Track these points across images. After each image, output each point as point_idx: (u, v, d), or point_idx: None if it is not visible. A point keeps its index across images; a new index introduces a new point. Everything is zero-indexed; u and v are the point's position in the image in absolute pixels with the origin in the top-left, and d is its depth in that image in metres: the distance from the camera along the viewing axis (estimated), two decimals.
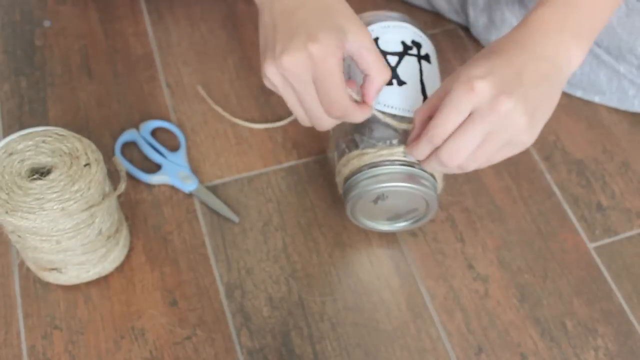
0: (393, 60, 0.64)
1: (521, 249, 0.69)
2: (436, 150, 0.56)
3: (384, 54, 0.64)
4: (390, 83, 0.63)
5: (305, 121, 0.59)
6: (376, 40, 0.65)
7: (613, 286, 0.67)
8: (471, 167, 0.56)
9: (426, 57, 0.66)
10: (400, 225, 0.67)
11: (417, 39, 0.67)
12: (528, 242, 0.69)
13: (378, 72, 0.56)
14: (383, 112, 0.61)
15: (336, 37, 0.53)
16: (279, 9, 0.56)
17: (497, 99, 0.52)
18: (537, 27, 0.56)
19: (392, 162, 0.60)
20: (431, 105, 0.56)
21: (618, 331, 0.64)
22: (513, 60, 0.54)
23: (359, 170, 0.61)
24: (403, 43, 0.65)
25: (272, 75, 0.55)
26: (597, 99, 0.78)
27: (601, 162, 0.75)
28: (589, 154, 0.75)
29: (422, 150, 0.57)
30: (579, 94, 0.79)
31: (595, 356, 0.63)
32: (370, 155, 0.61)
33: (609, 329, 0.64)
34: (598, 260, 0.68)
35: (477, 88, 0.52)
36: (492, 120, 0.53)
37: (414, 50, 0.65)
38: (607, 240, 0.70)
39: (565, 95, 0.79)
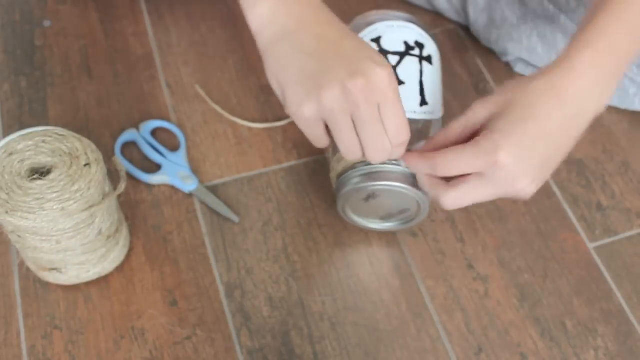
0: (394, 59, 0.64)
1: (521, 249, 0.69)
2: (439, 187, 0.56)
3: (385, 53, 0.64)
4: None
5: (356, 154, 0.55)
6: (379, 39, 0.65)
7: (613, 286, 0.67)
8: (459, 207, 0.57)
9: (428, 59, 0.66)
10: (390, 225, 0.67)
11: (421, 40, 0.66)
12: (528, 242, 0.69)
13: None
14: None
15: (391, 70, 0.52)
16: (315, 35, 0.53)
17: (515, 179, 0.53)
18: (580, 76, 0.54)
19: (386, 161, 0.60)
20: (454, 130, 0.56)
21: (618, 331, 0.64)
22: (546, 125, 0.53)
23: (352, 167, 0.61)
24: (406, 43, 0.65)
25: (335, 99, 0.51)
26: None
27: (601, 162, 0.75)
28: (589, 154, 0.75)
29: (417, 165, 0.57)
30: None
31: (595, 356, 0.63)
32: None
33: (609, 329, 0.64)
34: (598, 260, 0.68)
35: (501, 162, 0.52)
36: (504, 191, 0.54)
37: (416, 51, 0.65)
38: (607, 240, 0.70)
39: None
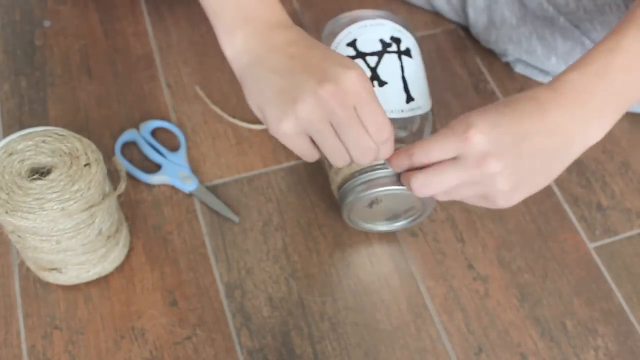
0: (372, 60, 0.64)
1: (521, 249, 0.69)
2: (411, 174, 0.55)
3: (363, 55, 0.64)
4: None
5: (344, 159, 0.55)
6: (354, 42, 0.65)
7: (613, 286, 0.67)
8: (441, 198, 0.56)
9: (407, 52, 0.65)
10: (399, 224, 0.67)
11: (396, 34, 0.66)
12: (528, 242, 0.69)
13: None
14: None
15: (364, 76, 0.53)
16: (284, 54, 0.54)
17: (485, 158, 0.52)
18: (563, 95, 0.53)
19: (382, 166, 0.60)
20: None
21: (618, 331, 0.64)
22: (524, 123, 0.52)
23: (351, 177, 0.61)
24: (382, 41, 0.65)
25: (310, 111, 0.52)
26: None
27: (601, 162, 0.75)
28: (589, 154, 0.75)
29: (399, 162, 0.56)
30: None
31: (595, 356, 0.63)
32: None
33: (609, 329, 0.64)
34: (598, 260, 0.68)
35: (471, 138, 0.51)
36: (473, 174, 0.52)
37: (394, 47, 0.65)
38: (607, 240, 0.70)
39: None
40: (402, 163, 0.56)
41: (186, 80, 0.78)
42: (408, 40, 0.67)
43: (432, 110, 0.66)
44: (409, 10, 0.85)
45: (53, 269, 0.62)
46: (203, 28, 0.83)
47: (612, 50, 0.54)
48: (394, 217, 0.66)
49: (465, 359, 0.62)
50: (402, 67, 0.64)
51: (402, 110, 0.62)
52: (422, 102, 0.64)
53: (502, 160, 0.52)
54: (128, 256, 0.66)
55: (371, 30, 0.65)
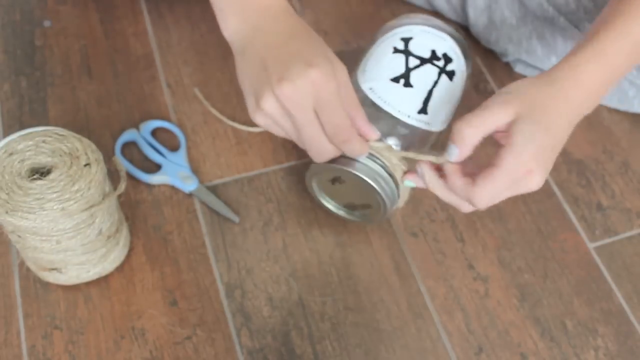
0: (413, 62, 0.64)
1: (521, 249, 0.69)
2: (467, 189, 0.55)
3: (408, 53, 0.64)
4: (397, 81, 0.63)
5: (311, 152, 0.58)
6: (409, 39, 0.65)
7: (613, 286, 0.67)
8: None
9: (450, 74, 0.65)
10: (351, 217, 0.67)
11: (450, 54, 0.66)
12: (528, 242, 0.69)
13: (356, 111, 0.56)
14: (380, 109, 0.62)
15: (331, 66, 0.54)
16: (263, 43, 0.55)
17: (536, 178, 0.54)
18: (581, 84, 0.56)
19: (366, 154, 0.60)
20: (477, 134, 0.55)
21: (618, 331, 0.64)
22: (558, 130, 0.55)
23: None
24: (433, 52, 0.65)
25: (271, 107, 0.54)
26: None
27: (601, 162, 0.75)
28: (589, 154, 0.75)
29: (441, 193, 0.57)
30: None
31: (595, 356, 0.63)
32: None
33: (609, 329, 0.64)
34: (598, 260, 0.68)
35: (535, 178, 0.53)
36: (519, 189, 0.55)
37: (440, 62, 0.65)
38: (607, 240, 0.70)
39: None
40: (459, 189, 0.56)
41: (186, 80, 0.78)
42: (459, 66, 0.66)
43: (440, 133, 0.65)
44: (409, 10, 0.85)
45: (53, 269, 0.62)
46: (203, 28, 0.83)
47: (619, 38, 0.57)
48: (351, 207, 0.67)
49: (465, 359, 0.62)
50: (436, 82, 0.64)
51: (409, 116, 0.62)
52: (434, 121, 0.63)
53: (545, 172, 0.54)
54: (128, 256, 0.66)
55: (430, 38, 0.66)
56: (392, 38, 0.66)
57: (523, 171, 0.53)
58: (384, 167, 0.60)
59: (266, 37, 0.56)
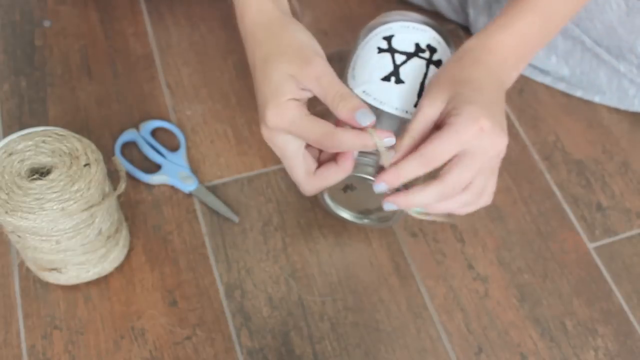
0: (400, 59, 0.64)
1: (521, 249, 0.69)
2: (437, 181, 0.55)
3: (393, 51, 0.64)
4: (387, 80, 0.63)
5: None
6: (391, 37, 0.65)
7: (613, 286, 0.67)
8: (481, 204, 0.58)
9: (437, 63, 0.65)
10: (365, 221, 0.67)
11: (434, 44, 0.66)
12: (528, 242, 0.69)
13: (332, 103, 0.55)
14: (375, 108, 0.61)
15: (283, 95, 0.54)
16: (251, 63, 0.59)
17: (497, 138, 0.54)
18: (501, 56, 0.59)
19: (368, 154, 0.59)
20: (421, 131, 0.56)
21: (618, 331, 0.64)
22: (492, 94, 0.57)
23: None
24: (417, 45, 0.65)
25: (266, 139, 0.59)
26: (597, 99, 0.78)
27: (601, 162, 0.75)
28: (589, 154, 0.75)
29: (410, 170, 0.55)
30: (579, 93, 0.79)
31: (595, 356, 0.63)
32: None
33: (609, 329, 0.64)
34: (598, 260, 0.68)
35: (485, 128, 0.53)
36: (489, 159, 0.55)
37: (426, 54, 0.65)
38: (607, 240, 0.70)
39: (565, 95, 0.79)
40: (412, 168, 0.55)
41: (186, 80, 0.79)
42: (444, 54, 0.66)
43: None
44: (409, 10, 0.85)
45: (53, 269, 0.62)
46: (203, 28, 0.83)
47: (532, 12, 0.61)
48: (365, 212, 0.66)
49: (465, 359, 0.62)
50: (425, 74, 0.64)
51: (407, 112, 0.62)
52: None
53: (504, 131, 0.55)
54: (128, 256, 0.66)
55: (412, 32, 0.66)
56: (374, 39, 0.66)
57: (475, 129, 0.53)
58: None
59: (251, 56, 0.58)
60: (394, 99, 0.62)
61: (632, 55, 0.74)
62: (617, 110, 0.78)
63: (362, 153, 0.59)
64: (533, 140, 0.76)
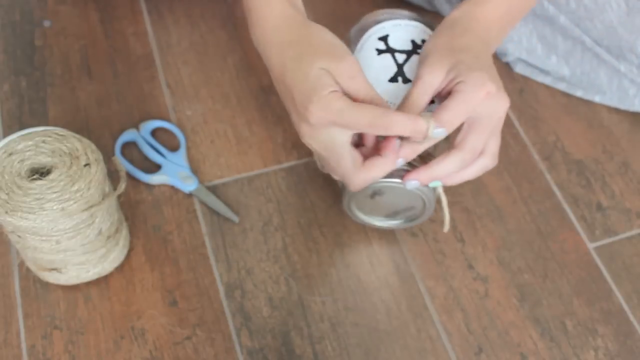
0: (401, 57, 0.64)
1: (521, 249, 0.69)
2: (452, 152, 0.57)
3: (393, 51, 0.64)
4: (395, 80, 0.63)
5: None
6: (386, 37, 0.65)
7: (613, 286, 0.67)
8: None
9: None
10: (396, 222, 0.67)
11: (427, 38, 0.66)
12: (528, 242, 0.69)
13: (363, 101, 0.55)
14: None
15: (325, 88, 0.54)
16: (273, 75, 0.58)
17: (501, 99, 0.56)
18: (487, 24, 0.61)
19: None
20: (423, 101, 0.57)
21: (618, 331, 0.64)
22: (487, 60, 0.59)
23: None
24: (413, 42, 0.65)
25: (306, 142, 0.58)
26: (597, 99, 0.78)
27: (601, 162, 0.75)
28: (589, 154, 0.75)
29: (418, 129, 0.55)
30: (579, 93, 0.79)
31: (595, 356, 0.63)
32: None
33: (609, 329, 0.64)
34: (598, 260, 0.68)
35: (491, 92, 0.55)
36: (497, 121, 0.57)
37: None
38: (607, 240, 0.70)
39: (565, 95, 0.79)
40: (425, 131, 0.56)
41: (186, 80, 0.79)
42: None
43: None
44: (409, 10, 0.85)
45: (53, 269, 0.62)
46: (203, 28, 0.83)
47: None
48: (394, 215, 0.66)
49: (465, 359, 0.62)
50: None
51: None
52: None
53: (504, 92, 0.57)
54: (128, 256, 0.66)
55: (404, 29, 0.66)
56: (370, 41, 0.66)
57: (483, 94, 0.55)
58: (410, 163, 0.60)
59: (269, 60, 0.58)
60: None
61: (633, 55, 0.74)
62: (617, 111, 0.78)
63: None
64: (533, 140, 0.76)
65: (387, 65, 0.64)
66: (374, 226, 0.67)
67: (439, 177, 0.58)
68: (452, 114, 0.55)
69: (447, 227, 0.64)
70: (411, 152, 0.56)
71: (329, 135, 0.55)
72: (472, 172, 0.59)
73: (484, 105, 0.55)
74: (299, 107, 0.55)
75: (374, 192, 0.63)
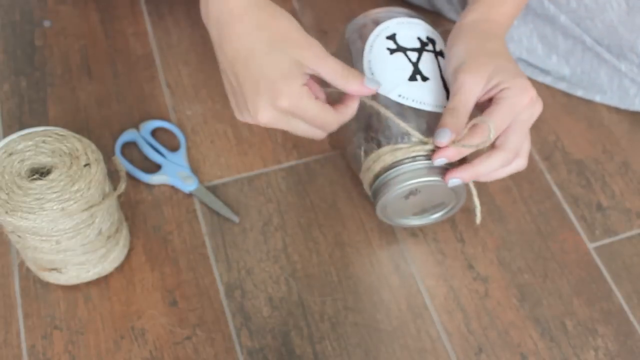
0: (413, 56, 0.64)
1: (521, 249, 0.69)
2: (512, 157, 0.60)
3: (404, 49, 0.64)
4: (414, 79, 0.63)
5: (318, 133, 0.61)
6: (394, 35, 0.65)
7: (613, 286, 0.67)
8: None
9: (441, 54, 0.66)
10: (430, 219, 0.67)
11: (431, 36, 0.66)
12: (528, 242, 0.69)
13: (342, 80, 0.57)
14: (411, 107, 0.62)
15: (296, 80, 0.55)
16: (230, 56, 0.57)
17: (539, 104, 0.60)
18: (503, 24, 0.64)
19: (423, 157, 0.60)
20: (468, 110, 0.60)
21: (618, 331, 0.64)
22: (514, 63, 0.62)
23: (391, 166, 0.61)
24: (419, 39, 0.65)
25: (258, 123, 0.58)
26: (597, 98, 0.78)
27: (601, 162, 0.75)
28: (589, 154, 0.75)
29: (476, 142, 0.59)
30: (579, 93, 0.79)
31: (595, 356, 0.63)
32: (404, 150, 0.61)
33: (609, 329, 0.64)
34: (598, 260, 0.68)
35: (534, 96, 0.59)
36: (532, 120, 0.60)
37: (430, 47, 0.65)
38: (607, 240, 0.70)
39: (565, 94, 0.79)
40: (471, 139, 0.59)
41: (186, 80, 0.79)
42: (441, 43, 0.67)
43: None
44: (406, 8, 0.85)
45: (53, 269, 0.62)
46: (203, 28, 0.83)
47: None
48: (422, 212, 0.66)
49: (465, 359, 0.62)
50: (439, 66, 0.64)
51: (444, 107, 0.62)
52: None
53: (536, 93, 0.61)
54: (128, 256, 0.66)
55: (409, 27, 0.66)
56: (378, 40, 0.65)
57: (527, 100, 0.58)
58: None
59: (232, 42, 0.57)
60: (427, 96, 0.62)
61: (633, 54, 0.74)
62: (617, 110, 0.78)
63: (423, 156, 0.61)
64: (533, 140, 0.76)
65: (402, 65, 0.63)
66: (410, 226, 0.68)
67: (481, 176, 0.60)
68: (500, 120, 0.58)
69: (479, 218, 0.65)
70: (456, 154, 0.59)
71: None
72: (507, 171, 0.61)
73: (527, 110, 0.59)
74: (267, 91, 0.55)
75: (410, 192, 0.62)
